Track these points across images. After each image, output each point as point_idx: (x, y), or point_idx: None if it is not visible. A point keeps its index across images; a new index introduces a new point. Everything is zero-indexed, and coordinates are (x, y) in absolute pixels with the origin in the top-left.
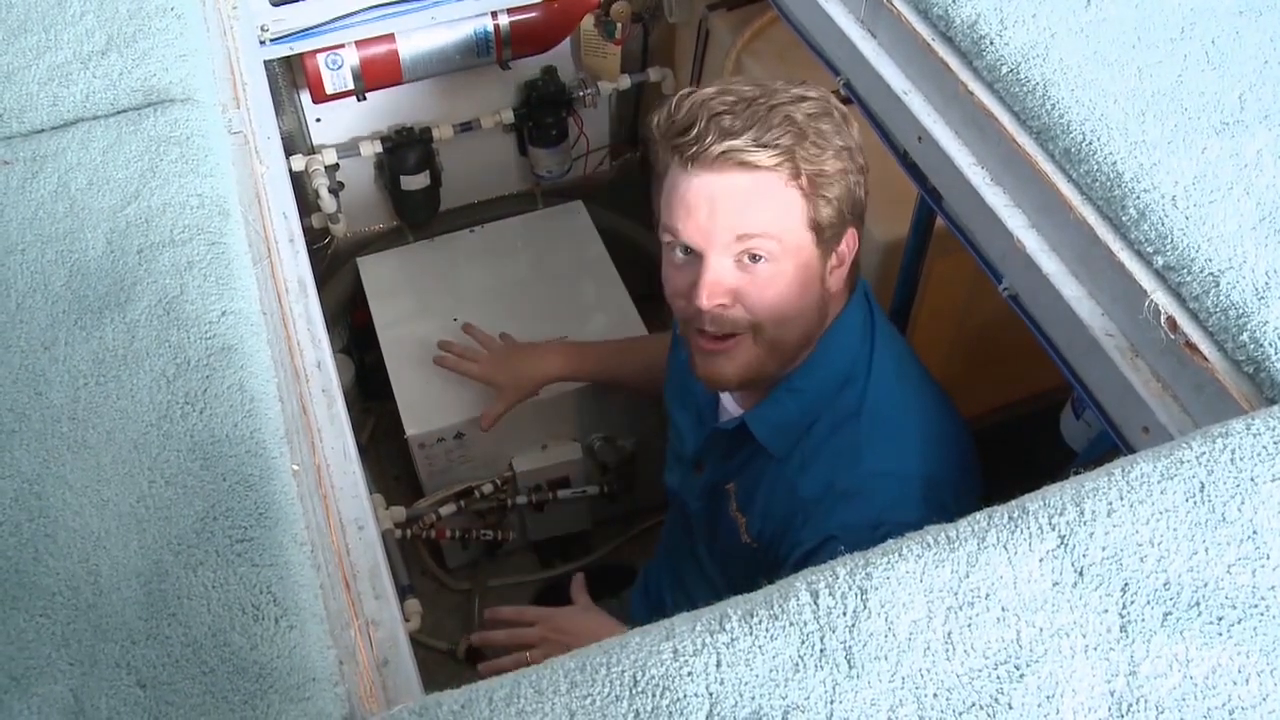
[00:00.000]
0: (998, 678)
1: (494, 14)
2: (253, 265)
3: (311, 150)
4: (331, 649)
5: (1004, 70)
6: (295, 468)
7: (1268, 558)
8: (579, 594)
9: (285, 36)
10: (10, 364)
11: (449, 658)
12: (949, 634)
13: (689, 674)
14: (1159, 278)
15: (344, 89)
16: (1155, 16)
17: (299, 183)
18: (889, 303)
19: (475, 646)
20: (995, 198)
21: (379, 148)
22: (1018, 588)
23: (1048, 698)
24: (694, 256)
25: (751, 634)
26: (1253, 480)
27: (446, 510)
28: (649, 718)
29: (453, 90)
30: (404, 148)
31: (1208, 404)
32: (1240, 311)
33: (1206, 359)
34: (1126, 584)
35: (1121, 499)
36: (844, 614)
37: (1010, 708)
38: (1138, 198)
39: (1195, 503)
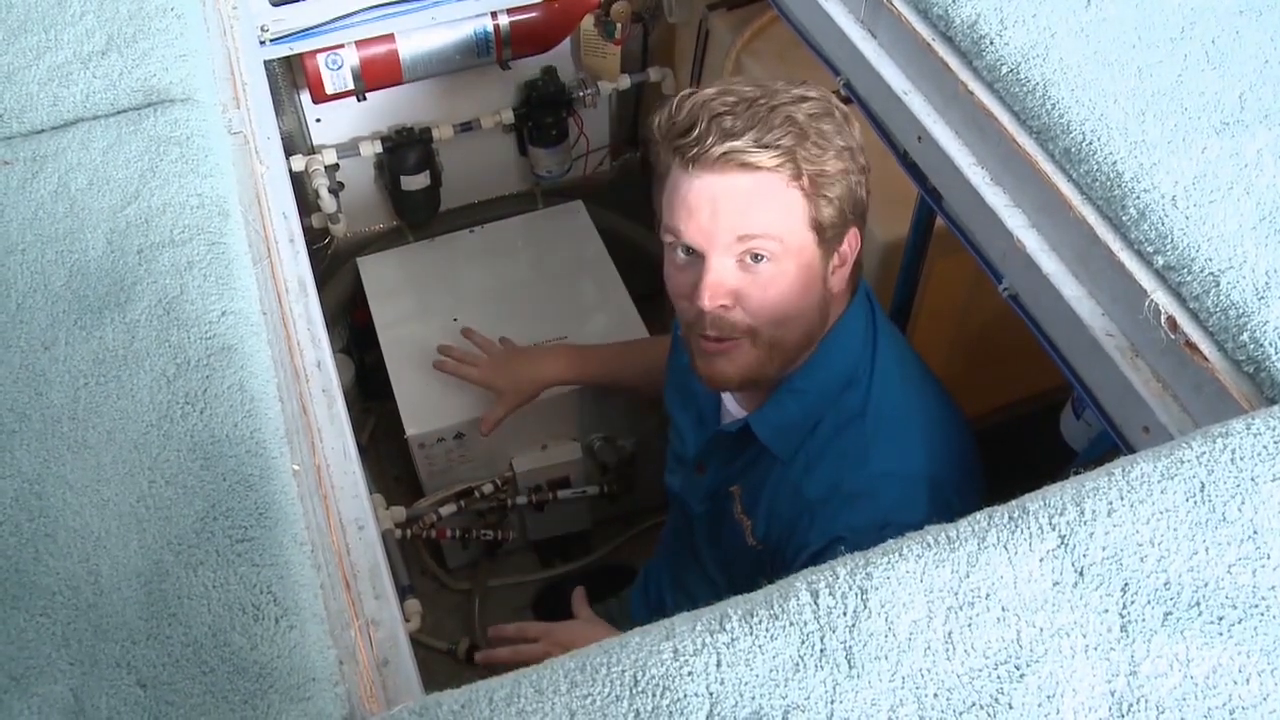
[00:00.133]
0: (998, 678)
1: (494, 14)
2: (253, 265)
3: (311, 150)
4: (331, 649)
5: (1004, 70)
6: (295, 468)
7: (1268, 557)
8: (580, 607)
9: (285, 36)
10: (10, 364)
11: (449, 658)
12: (949, 634)
13: (689, 674)
14: (1159, 277)
15: (344, 89)
16: (1155, 16)
17: (299, 183)
18: (889, 303)
19: (475, 647)
20: (995, 198)
21: (379, 148)
22: (1018, 587)
23: (1048, 697)
24: (696, 257)
25: (752, 634)
26: (1253, 480)
27: (446, 510)
28: (649, 717)
29: (453, 90)
30: (404, 148)
31: (1208, 404)
32: (1240, 311)
33: (1207, 359)
34: (1127, 584)
35: (1122, 499)
36: (844, 614)
37: (1010, 708)
38: (1138, 197)
39: (1196, 502)
